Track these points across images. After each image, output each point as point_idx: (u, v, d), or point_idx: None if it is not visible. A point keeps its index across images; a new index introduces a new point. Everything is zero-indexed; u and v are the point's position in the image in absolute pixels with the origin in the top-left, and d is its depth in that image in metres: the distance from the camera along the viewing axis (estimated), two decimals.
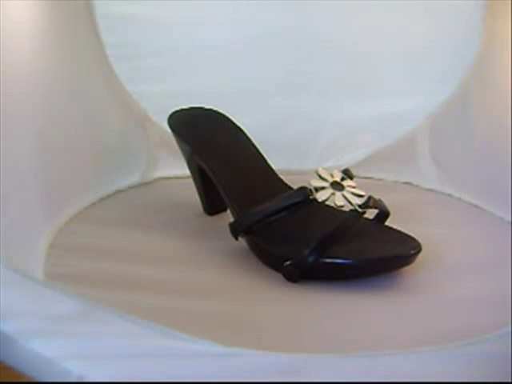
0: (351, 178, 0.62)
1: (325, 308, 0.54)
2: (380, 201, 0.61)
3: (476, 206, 0.72)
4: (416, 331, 0.51)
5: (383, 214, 0.61)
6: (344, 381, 0.33)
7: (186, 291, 0.55)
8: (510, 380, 0.33)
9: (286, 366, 0.33)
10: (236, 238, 0.61)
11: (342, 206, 0.58)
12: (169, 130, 0.69)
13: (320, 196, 0.58)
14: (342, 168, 0.63)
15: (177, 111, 0.70)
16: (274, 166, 0.67)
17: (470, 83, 0.77)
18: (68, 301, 0.37)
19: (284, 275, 0.57)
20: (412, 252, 0.56)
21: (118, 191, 0.74)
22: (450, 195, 0.76)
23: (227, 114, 0.69)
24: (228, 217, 0.64)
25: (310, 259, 0.56)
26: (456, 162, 0.77)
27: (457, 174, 0.76)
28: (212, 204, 0.69)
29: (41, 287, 0.40)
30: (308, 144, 0.82)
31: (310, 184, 0.59)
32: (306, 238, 0.57)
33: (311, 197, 0.58)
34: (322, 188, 0.59)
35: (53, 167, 0.64)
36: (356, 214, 0.58)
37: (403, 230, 0.60)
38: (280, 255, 0.57)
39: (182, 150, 0.69)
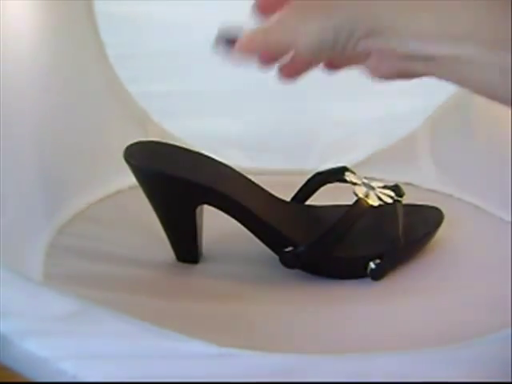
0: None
1: (323, 308, 0.54)
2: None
3: (476, 206, 0.72)
4: (416, 331, 0.51)
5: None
6: (342, 381, 0.33)
7: (183, 292, 0.55)
8: (509, 380, 0.33)
9: (283, 366, 0.33)
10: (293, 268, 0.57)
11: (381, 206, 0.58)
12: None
13: (372, 202, 0.58)
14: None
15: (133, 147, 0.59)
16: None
17: None
18: (65, 301, 0.37)
19: (281, 260, 0.56)
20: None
21: (118, 192, 0.74)
22: (450, 195, 0.75)
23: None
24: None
25: (307, 253, 0.55)
26: (457, 162, 0.76)
27: (457, 174, 0.76)
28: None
29: (38, 287, 0.40)
30: (308, 144, 0.81)
31: (356, 194, 0.58)
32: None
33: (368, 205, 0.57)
34: (367, 194, 0.58)
35: (52, 167, 0.64)
36: (359, 212, 0.57)
37: None
38: (288, 239, 0.56)
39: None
